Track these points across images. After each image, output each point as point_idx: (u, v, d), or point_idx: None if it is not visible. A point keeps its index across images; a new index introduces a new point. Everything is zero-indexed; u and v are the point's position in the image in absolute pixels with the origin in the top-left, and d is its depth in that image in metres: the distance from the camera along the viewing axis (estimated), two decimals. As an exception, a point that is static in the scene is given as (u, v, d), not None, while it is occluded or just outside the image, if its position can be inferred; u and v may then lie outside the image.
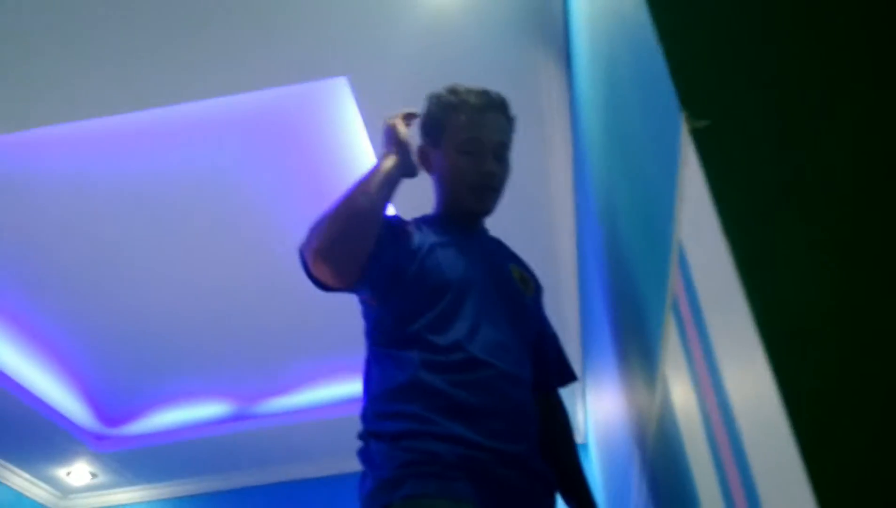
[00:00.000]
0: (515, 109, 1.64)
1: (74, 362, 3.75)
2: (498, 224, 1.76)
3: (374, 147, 2.59)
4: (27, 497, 4.57)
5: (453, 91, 1.56)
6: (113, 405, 4.15)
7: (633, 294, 1.47)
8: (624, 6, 1.08)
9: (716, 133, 0.79)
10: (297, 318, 3.56)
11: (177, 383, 4.03)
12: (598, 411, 3.11)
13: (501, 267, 1.56)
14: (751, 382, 0.73)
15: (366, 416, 1.39)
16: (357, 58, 2.29)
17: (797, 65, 0.80)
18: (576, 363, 3.63)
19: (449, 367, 1.33)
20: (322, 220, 1.34)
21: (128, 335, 3.58)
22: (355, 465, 1.40)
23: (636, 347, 1.53)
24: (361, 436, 1.37)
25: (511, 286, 1.53)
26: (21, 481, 4.47)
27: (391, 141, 1.47)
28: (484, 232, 1.64)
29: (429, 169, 1.61)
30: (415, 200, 1.72)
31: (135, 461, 4.50)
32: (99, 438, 4.35)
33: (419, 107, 1.62)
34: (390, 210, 1.68)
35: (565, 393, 1.68)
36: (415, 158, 1.50)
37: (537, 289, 1.66)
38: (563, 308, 3.33)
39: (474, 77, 2.30)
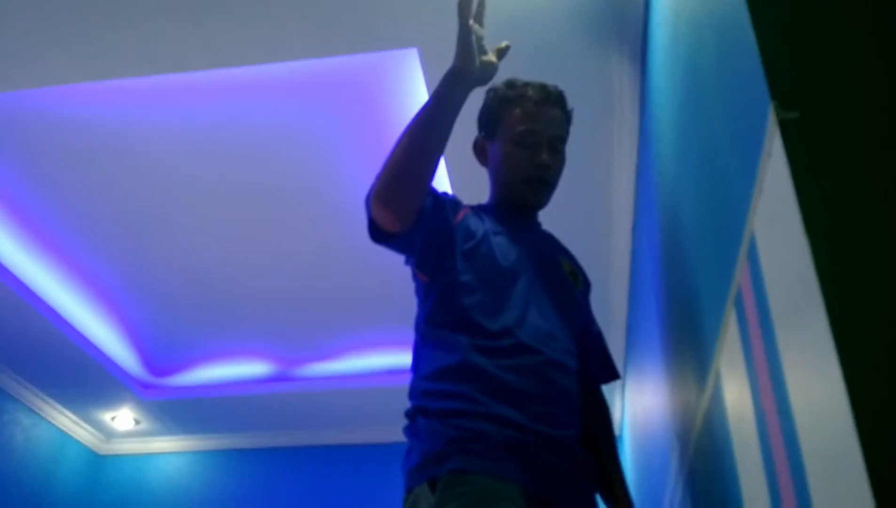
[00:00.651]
0: (584, 94, 1.64)
1: (127, 311, 3.85)
2: (555, 215, 1.75)
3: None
4: (72, 437, 4.73)
5: (511, 85, 1.58)
6: (161, 355, 4.26)
7: (690, 285, 1.45)
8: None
9: (804, 126, 0.77)
10: (347, 287, 3.60)
11: (223, 339, 4.11)
12: (637, 404, 3.09)
13: (552, 259, 1.57)
14: (817, 389, 0.71)
15: (414, 393, 1.41)
16: (427, 31, 2.29)
17: (893, 61, 0.78)
18: (619, 356, 3.61)
19: (498, 352, 1.35)
20: (384, 161, 1.36)
21: (181, 289, 3.66)
22: (391, 435, 1.42)
23: (688, 339, 1.51)
24: (408, 413, 1.40)
25: (561, 278, 1.55)
26: (67, 421, 4.63)
27: (457, 44, 1.40)
28: (537, 225, 1.65)
29: (484, 161, 1.63)
30: (471, 189, 1.72)
31: (177, 411, 4.61)
32: (145, 386, 4.47)
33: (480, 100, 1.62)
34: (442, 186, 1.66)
35: (605, 386, 1.68)
36: (483, 56, 1.44)
37: (586, 284, 1.67)
38: (611, 300, 3.31)
39: (544, 62, 2.30)
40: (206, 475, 4.87)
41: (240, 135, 2.80)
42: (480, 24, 1.41)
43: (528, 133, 1.52)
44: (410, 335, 1.55)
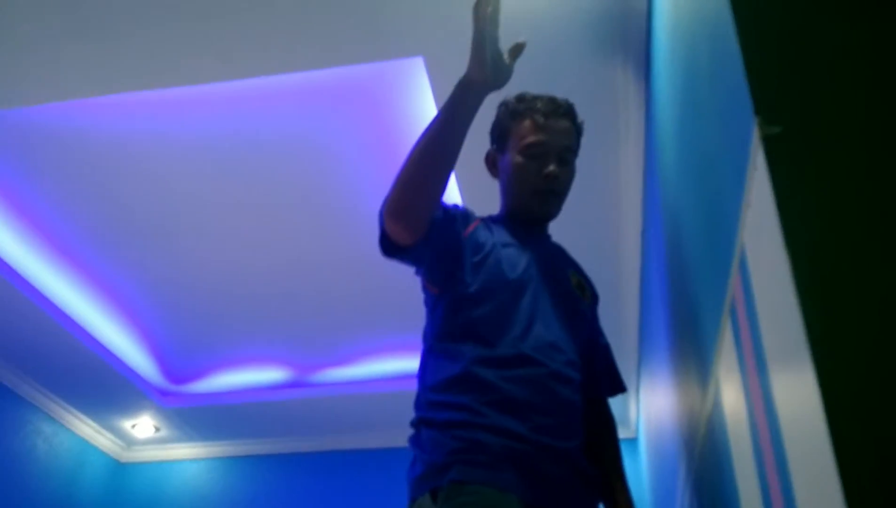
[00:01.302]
0: (590, 109, 1.66)
1: (146, 319, 3.91)
2: (566, 224, 1.77)
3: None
4: (93, 445, 4.79)
5: (521, 98, 1.60)
6: (179, 363, 4.31)
7: (692, 294, 1.46)
8: (707, 11, 1.08)
9: (786, 141, 0.79)
10: (361, 293, 3.63)
11: (240, 346, 4.16)
12: (650, 407, 3.09)
13: (561, 271, 1.59)
14: (797, 394, 0.73)
15: (419, 404, 1.43)
16: (433, 40, 2.32)
17: (875, 79, 0.79)
18: (632, 361, 3.61)
19: (501, 363, 1.36)
20: (397, 173, 1.38)
21: (198, 296, 3.71)
22: (404, 440, 1.44)
23: (691, 347, 1.52)
24: (414, 423, 1.42)
25: (568, 291, 1.56)
26: (88, 429, 4.70)
27: (471, 51, 1.38)
28: (547, 237, 1.67)
29: (495, 174, 1.65)
30: (482, 202, 1.75)
31: (196, 418, 4.67)
32: (164, 394, 4.53)
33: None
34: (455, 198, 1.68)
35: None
36: (498, 60, 1.40)
37: (594, 298, 1.68)
38: (623, 306, 3.32)
39: (551, 72, 2.32)
40: (226, 481, 4.91)
41: (253, 144, 2.85)
42: (495, 26, 1.39)
43: (537, 144, 1.54)
44: (420, 343, 1.57)
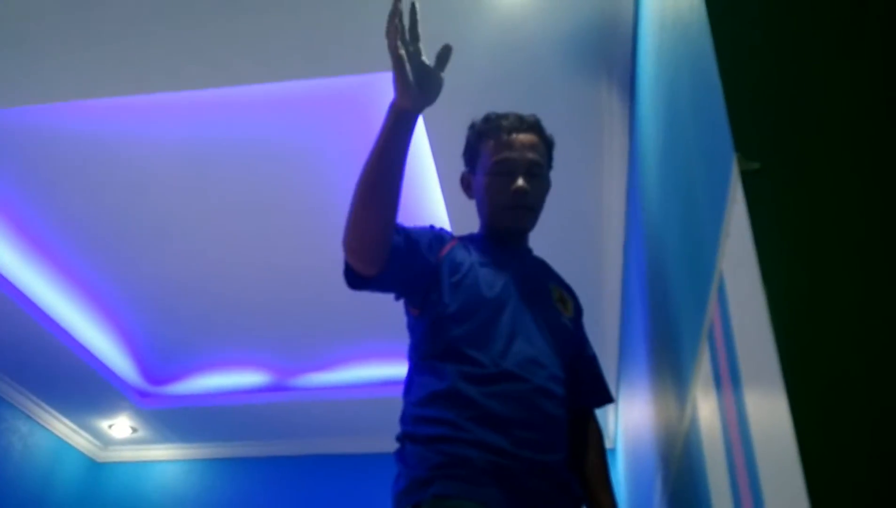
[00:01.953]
0: (574, 124, 1.68)
1: (125, 320, 3.90)
2: (548, 238, 1.80)
3: (433, 142, 2.64)
4: (69, 445, 4.77)
5: (486, 119, 1.63)
6: (158, 364, 4.30)
7: (672, 316, 1.50)
8: (690, 46, 1.11)
9: (764, 176, 0.83)
10: (343, 299, 3.65)
11: (220, 349, 4.16)
12: (628, 419, 3.14)
13: (541, 286, 1.61)
14: (769, 415, 0.76)
15: (404, 419, 1.45)
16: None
17: (852, 117, 0.83)
18: (612, 373, 3.66)
19: (484, 379, 1.39)
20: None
21: (178, 299, 3.71)
22: (387, 445, 1.46)
23: (670, 366, 1.56)
24: (399, 438, 1.44)
25: (548, 305, 1.58)
26: (65, 429, 4.67)
27: (393, 73, 1.33)
28: (527, 252, 1.69)
29: (470, 194, 1.69)
30: (470, 221, 1.78)
31: (174, 420, 4.66)
32: (143, 395, 4.51)
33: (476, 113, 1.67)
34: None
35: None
36: (425, 74, 1.36)
37: (577, 310, 1.70)
38: (603, 319, 3.36)
39: (537, 95, 2.35)
40: (203, 483, 4.90)
41: (239, 151, 2.86)
42: (415, 38, 1.34)
43: (503, 161, 1.57)
44: (405, 346, 1.60)
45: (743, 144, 0.85)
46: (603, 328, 3.44)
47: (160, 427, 4.75)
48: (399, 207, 1.40)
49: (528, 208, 1.59)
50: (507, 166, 1.56)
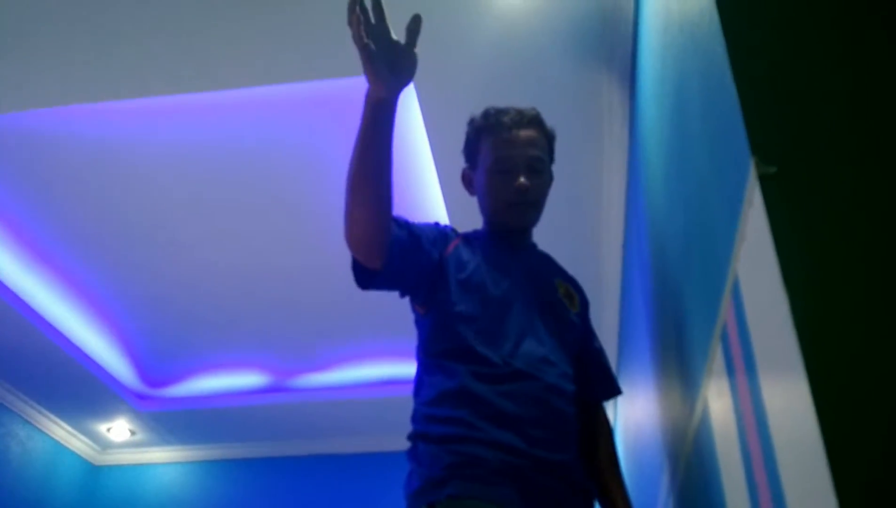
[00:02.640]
0: (573, 118, 1.67)
1: (123, 323, 3.89)
2: (547, 236, 1.80)
3: (433, 142, 2.65)
4: (67, 448, 4.75)
5: (486, 114, 1.62)
6: (156, 367, 4.29)
7: (679, 316, 1.51)
8: (701, 46, 1.12)
9: (783, 180, 0.83)
10: (341, 300, 3.65)
11: (218, 351, 4.15)
12: (628, 418, 3.15)
13: (547, 282, 1.61)
14: (793, 418, 0.77)
15: (416, 418, 1.45)
16: (420, 55, 2.34)
17: (872, 122, 0.84)
18: (611, 364, 3.66)
19: (495, 378, 1.39)
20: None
21: (176, 301, 3.71)
22: (385, 445, 1.46)
23: (678, 366, 1.57)
24: (410, 437, 1.44)
25: (555, 301, 1.58)
26: (63, 432, 4.66)
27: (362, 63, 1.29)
28: (532, 247, 1.69)
29: (472, 191, 1.68)
30: (468, 218, 1.78)
31: (173, 422, 4.65)
32: (141, 397, 4.51)
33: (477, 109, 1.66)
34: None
35: None
36: (396, 57, 1.31)
37: (583, 304, 1.70)
38: (603, 315, 3.37)
39: (537, 89, 2.36)
40: (202, 485, 4.90)
41: (236, 153, 2.86)
42: (380, 18, 1.29)
43: (505, 159, 1.56)
44: (403, 345, 1.60)
45: (759, 148, 0.86)
46: (601, 321, 3.44)
47: (159, 430, 4.74)
48: (392, 194, 1.38)
49: (531, 204, 1.59)
50: (509, 164, 1.56)
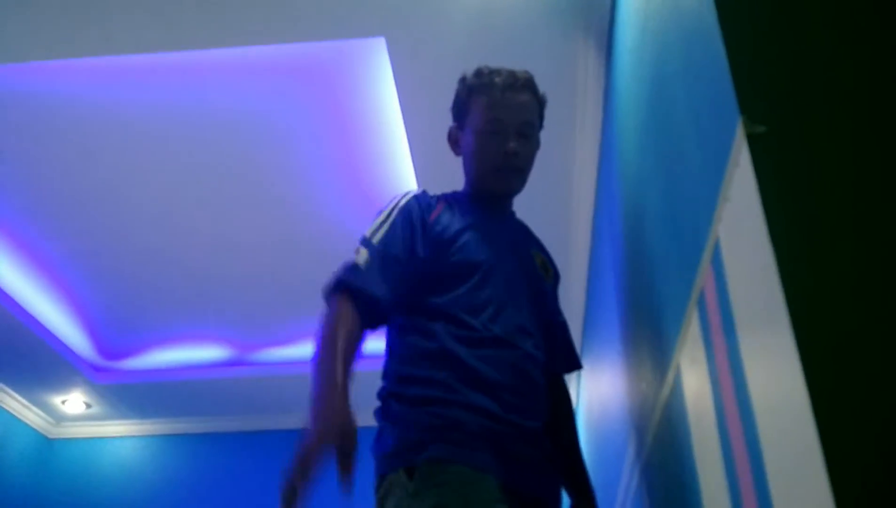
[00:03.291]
0: (548, 88, 1.65)
1: (79, 294, 3.78)
2: (517, 204, 1.78)
3: (405, 110, 2.60)
4: (21, 420, 4.64)
5: (478, 73, 1.57)
6: (113, 339, 4.20)
7: (652, 283, 1.50)
8: (686, 8, 1.10)
9: (771, 140, 0.82)
10: (304, 273, 3.59)
11: (177, 324, 4.07)
12: (593, 392, 3.16)
13: (525, 251, 1.60)
14: (779, 389, 0.76)
15: (388, 376, 1.43)
16: (395, 20, 2.29)
17: (861, 79, 0.82)
18: (577, 337, 3.68)
19: (474, 342, 1.38)
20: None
21: (133, 272, 3.61)
22: None
23: (648, 334, 1.56)
24: (381, 395, 1.42)
25: (533, 272, 1.57)
26: (16, 404, 4.54)
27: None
28: (511, 215, 1.67)
29: (457, 151, 1.64)
30: (437, 180, 1.74)
31: (130, 395, 4.56)
32: (97, 369, 4.41)
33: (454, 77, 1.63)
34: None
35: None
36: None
37: (556, 276, 1.69)
38: (570, 289, 3.37)
39: (512, 51, 2.32)
40: (160, 459, 4.83)
41: (204, 118, 2.77)
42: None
43: (495, 121, 1.52)
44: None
45: (748, 107, 0.84)
46: (569, 293, 3.45)
47: (115, 403, 4.65)
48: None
49: (517, 170, 1.56)
50: (499, 126, 1.52)
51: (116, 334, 4.16)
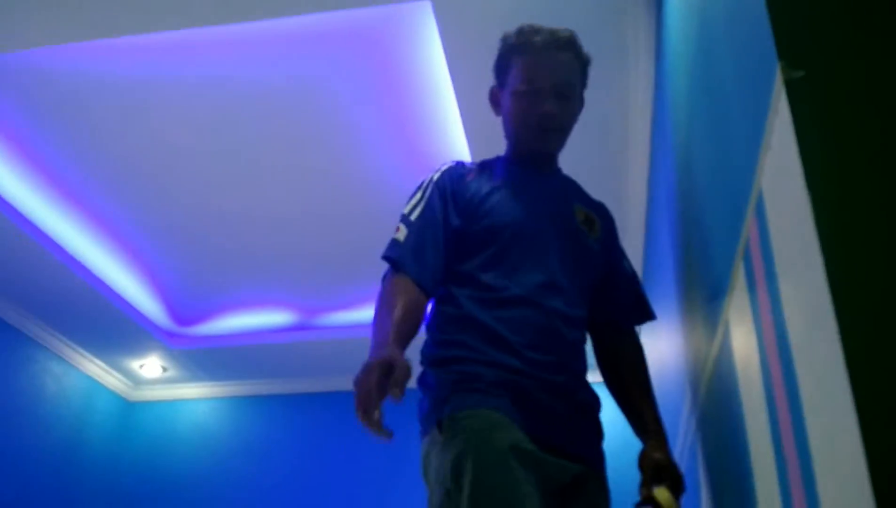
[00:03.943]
0: (599, 46, 1.63)
1: (153, 262, 3.94)
2: (572, 157, 1.76)
3: (453, 73, 2.59)
4: (101, 385, 4.88)
5: (519, 32, 1.55)
6: (186, 305, 4.36)
7: (703, 238, 1.48)
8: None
9: (809, 85, 0.80)
10: (364, 239, 3.65)
11: (246, 290, 4.20)
12: (651, 348, 3.14)
13: (565, 208, 1.57)
14: (816, 338, 0.75)
15: (425, 344, 1.49)
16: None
17: (900, 21, 0.80)
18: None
19: (495, 304, 1.41)
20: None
21: (204, 240, 3.73)
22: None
23: (700, 289, 1.55)
24: (421, 363, 1.47)
25: (573, 227, 1.55)
26: (97, 369, 4.77)
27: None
28: (556, 172, 1.66)
29: (498, 111, 1.63)
30: (487, 142, 1.73)
31: (204, 359, 4.74)
32: (171, 335, 4.59)
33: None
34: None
35: None
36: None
37: (605, 230, 1.64)
38: (628, 245, 3.32)
39: (560, 10, 2.28)
40: (232, 420, 5.01)
41: (258, 89, 2.83)
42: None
43: (531, 81, 1.51)
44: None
45: (786, 51, 0.82)
46: (626, 246, 3.41)
47: (190, 366, 4.84)
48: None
49: (555, 130, 1.55)
50: (535, 87, 1.51)
51: (189, 301, 4.31)
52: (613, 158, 2.95)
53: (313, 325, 4.53)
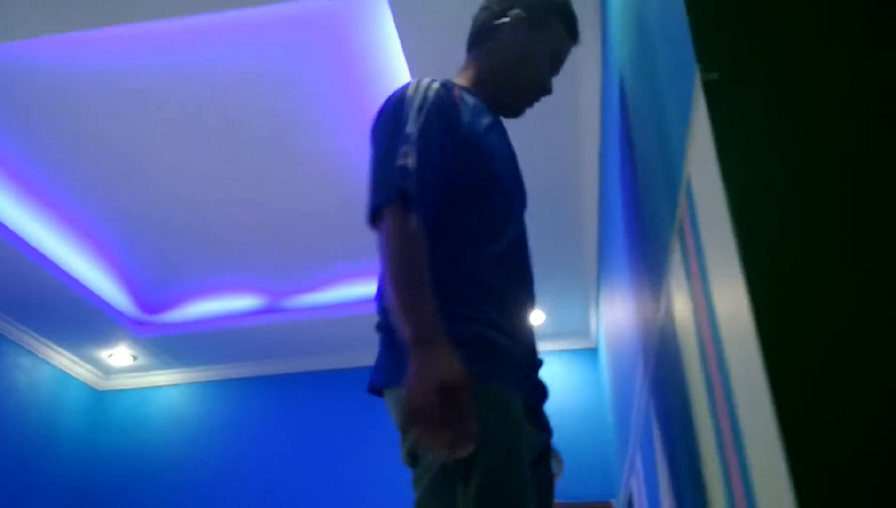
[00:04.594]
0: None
1: (117, 252, 3.97)
2: (528, 135, 1.81)
3: (409, 62, 2.67)
4: (71, 376, 4.90)
5: (574, 16, 1.60)
6: (152, 293, 4.39)
7: (647, 216, 1.60)
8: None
9: (724, 86, 0.91)
10: (331, 221, 3.73)
11: (213, 275, 4.25)
12: (609, 318, 3.29)
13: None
14: (732, 299, 0.87)
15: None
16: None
17: (812, 29, 0.91)
18: (592, 274, 3.80)
19: (493, 263, 1.33)
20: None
21: (168, 227, 3.78)
22: (374, 359, 1.35)
23: (646, 263, 1.67)
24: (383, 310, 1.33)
25: (524, 191, 1.55)
26: (66, 361, 4.79)
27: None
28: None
29: (503, 35, 1.54)
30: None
31: (173, 346, 4.79)
32: (139, 324, 4.62)
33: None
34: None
35: (579, 299, 1.77)
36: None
37: None
38: (583, 219, 3.47)
39: None
40: (203, 404, 5.08)
41: (220, 77, 2.87)
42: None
43: (563, 54, 1.60)
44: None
45: (703, 56, 0.92)
46: (582, 228, 3.56)
47: (159, 354, 4.89)
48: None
49: (531, 106, 1.59)
50: (561, 59, 1.60)
51: (155, 289, 4.35)
52: (567, 139, 3.06)
53: (280, 308, 4.60)
